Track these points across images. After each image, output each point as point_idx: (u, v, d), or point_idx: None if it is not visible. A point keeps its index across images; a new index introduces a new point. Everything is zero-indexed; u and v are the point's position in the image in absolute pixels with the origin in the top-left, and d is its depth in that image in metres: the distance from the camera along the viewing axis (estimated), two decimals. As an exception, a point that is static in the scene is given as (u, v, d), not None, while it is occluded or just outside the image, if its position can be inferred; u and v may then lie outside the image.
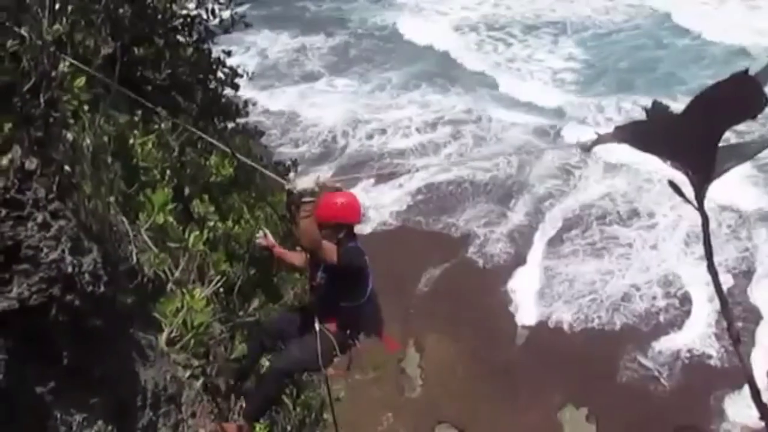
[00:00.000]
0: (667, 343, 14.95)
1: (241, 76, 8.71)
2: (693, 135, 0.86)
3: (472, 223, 18.31)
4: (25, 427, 2.23)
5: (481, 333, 15.28)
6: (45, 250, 2.32)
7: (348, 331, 4.60)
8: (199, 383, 4.12)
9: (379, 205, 18.68)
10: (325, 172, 19.18)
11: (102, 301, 2.75)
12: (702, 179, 0.90)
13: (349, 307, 4.53)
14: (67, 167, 2.74)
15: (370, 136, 22.17)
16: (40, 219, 2.32)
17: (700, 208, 0.93)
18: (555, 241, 17.78)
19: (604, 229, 18.04)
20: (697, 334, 14.95)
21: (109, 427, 2.73)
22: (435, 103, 23.64)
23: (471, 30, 28.39)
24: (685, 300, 15.79)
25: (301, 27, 29.03)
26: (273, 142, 19.87)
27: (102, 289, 2.72)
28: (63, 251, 2.42)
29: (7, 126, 2.27)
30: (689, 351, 14.72)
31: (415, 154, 21.18)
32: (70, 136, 3.17)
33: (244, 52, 24.80)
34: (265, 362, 5.14)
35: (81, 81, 3.29)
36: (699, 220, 0.93)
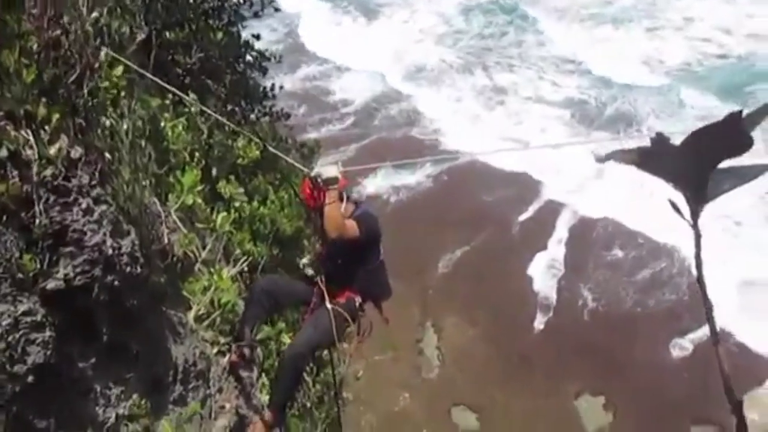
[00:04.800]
0: (689, 335, 14.86)
1: (269, 60, 8.79)
2: (688, 165, 0.96)
3: (495, 207, 18.26)
4: (69, 399, 2.41)
5: (500, 317, 15.34)
6: (89, 233, 2.47)
7: (358, 300, 4.69)
8: (225, 360, 4.30)
9: (402, 185, 18.74)
10: (349, 153, 19.25)
11: (138, 281, 2.91)
12: (696, 201, 1.01)
13: (365, 270, 4.67)
14: (107, 154, 2.88)
15: (398, 116, 22.09)
16: (84, 204, 2.47)
17: (694, 226, 1.04)
18: (578, 228, 17.68)
19: (630, 218, 17.84)
20: (719, 328, 14.81)
21: (143, 401, 2.90)
22: (465, 85, 23.47)
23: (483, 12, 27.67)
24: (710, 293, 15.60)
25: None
26: (299, 123, 19.94)
27: (139, 270, 2.87)
28: (104, 234, 2.57)
29: (55, 117, 2.41)
30: (710, 344, 14.59)
31: (443, 136, 21.08)
32: (108, 122, 3.32)
33: (274, 30, 24.71)
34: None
35: (119, 70, 3.42)
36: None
